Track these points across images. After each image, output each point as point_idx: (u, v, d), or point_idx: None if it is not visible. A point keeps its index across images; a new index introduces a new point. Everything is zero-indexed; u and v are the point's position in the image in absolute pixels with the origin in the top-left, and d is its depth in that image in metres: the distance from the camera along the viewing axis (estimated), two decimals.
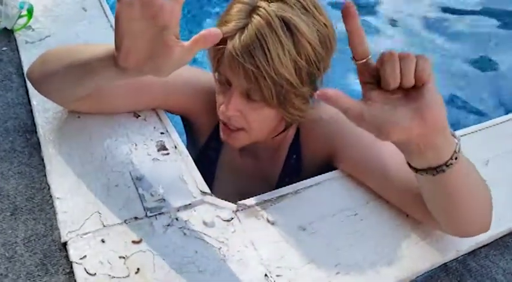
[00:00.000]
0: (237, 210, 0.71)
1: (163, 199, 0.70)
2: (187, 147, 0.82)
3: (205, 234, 0.66)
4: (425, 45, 2.13)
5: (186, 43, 0.53)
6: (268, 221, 0.70)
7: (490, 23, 2.29)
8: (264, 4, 0.67)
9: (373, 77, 0.50)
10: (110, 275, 0.60)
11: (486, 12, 2.35)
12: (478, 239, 0.70)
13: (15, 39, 1.04)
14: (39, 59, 0.76)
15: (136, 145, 0.79)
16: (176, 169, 0.76)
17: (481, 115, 1.77)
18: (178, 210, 0.69)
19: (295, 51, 0.67)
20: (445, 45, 2.13)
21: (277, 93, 0.69)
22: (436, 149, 0.51)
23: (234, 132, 0.79)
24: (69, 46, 0.75)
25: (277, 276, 0.63)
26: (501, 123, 0.95)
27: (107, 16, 1.15)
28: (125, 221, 0.67)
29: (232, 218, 0.69)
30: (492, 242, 0.72)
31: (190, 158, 0.78)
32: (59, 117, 0.82)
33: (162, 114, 0.86)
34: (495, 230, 0.71)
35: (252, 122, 0.76)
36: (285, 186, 0.77)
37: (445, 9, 2.37)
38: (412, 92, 0.49)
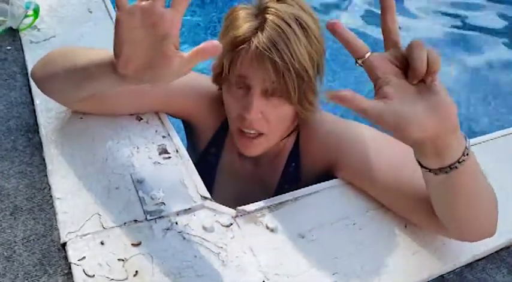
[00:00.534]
0: (237, 216, 0.71)
1: (164, 203, 0.70)
2: (188, 151, 0.82)
3: (204, 239, 0.67)
4: None
5: (185, 54, 0.54)
6: (267, 227, 0.70)
7: None
8: (272, 4, 0.71)
9: (389, 72, 0.51)
10: (108, 277, 0.60)
11: None
12: (475, 252, 0.70)
13: (20, 39, 1.05)
14: (42, 59, 0.77)
15: (138, 148, 0.79)
16: (177, 173, 0.76)
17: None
18: (178, 214, 0.69)
19: (309, 44, 0.71)
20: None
21: (298, 86, 0.72)
22: (450, 147, 0.53)
23: (254, 140, 0.79)
24: (72, 48, 0.75)
25: None
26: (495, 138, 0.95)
27: (111, 18, 1.16)
28: (125, 224, 0.67)
29: (232, 224, 0.70)
30: (489, 255, 0.72)
31: (191, 162, 0.78)
32: (62, 118, 0.83)
33: (164, 118, 0.86)
34: (492, 244, 0.71)
35: (273, 121, 0.77)
36: (284, 193, 0.77)
37: None
38: (424, 90, 0.50)
